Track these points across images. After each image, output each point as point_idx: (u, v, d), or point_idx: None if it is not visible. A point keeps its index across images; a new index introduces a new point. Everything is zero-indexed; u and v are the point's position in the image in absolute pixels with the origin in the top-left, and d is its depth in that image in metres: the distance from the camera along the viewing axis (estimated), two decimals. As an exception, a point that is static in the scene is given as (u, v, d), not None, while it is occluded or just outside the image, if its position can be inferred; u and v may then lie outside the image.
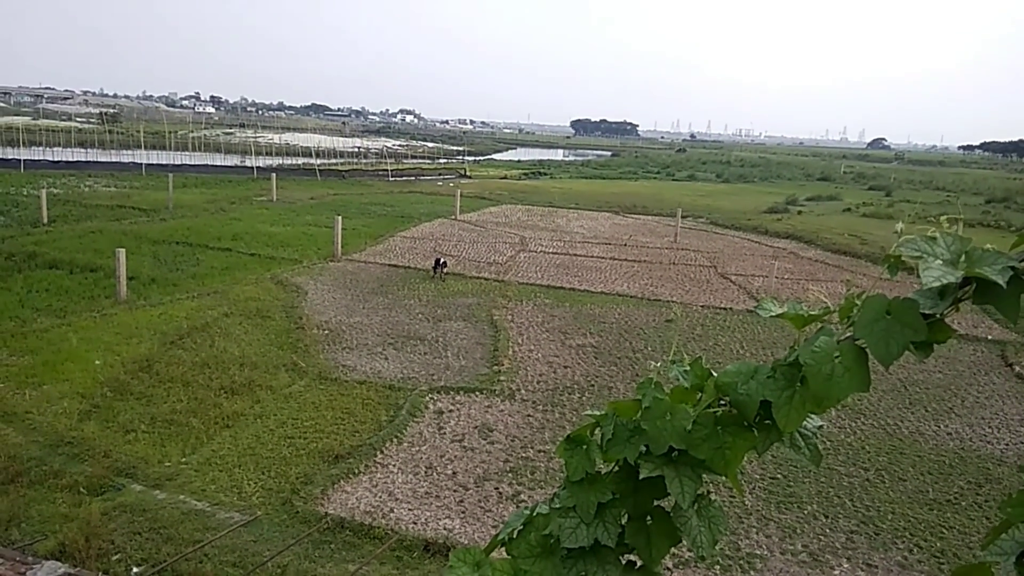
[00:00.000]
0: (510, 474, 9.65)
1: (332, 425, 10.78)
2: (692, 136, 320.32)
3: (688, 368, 1.43)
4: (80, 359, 12.56)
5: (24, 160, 43.65)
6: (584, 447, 1.45)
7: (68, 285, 17.30)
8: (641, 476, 1.35)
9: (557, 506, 1.48)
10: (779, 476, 9.88)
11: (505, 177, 58.42)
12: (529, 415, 11.51)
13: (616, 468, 1.44)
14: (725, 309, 18.56)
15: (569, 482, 1.47)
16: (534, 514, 1.53)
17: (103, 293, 16.60)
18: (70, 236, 22.54)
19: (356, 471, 9.51)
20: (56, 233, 23.04)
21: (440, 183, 50.29)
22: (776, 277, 21.09)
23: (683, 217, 32.70)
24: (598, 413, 1.46)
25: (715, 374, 1.39)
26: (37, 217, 25.26)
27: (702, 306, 18.78)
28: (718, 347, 15.39)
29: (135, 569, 7.20)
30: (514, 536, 1.63)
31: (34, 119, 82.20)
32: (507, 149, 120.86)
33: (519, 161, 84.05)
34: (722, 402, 1.37)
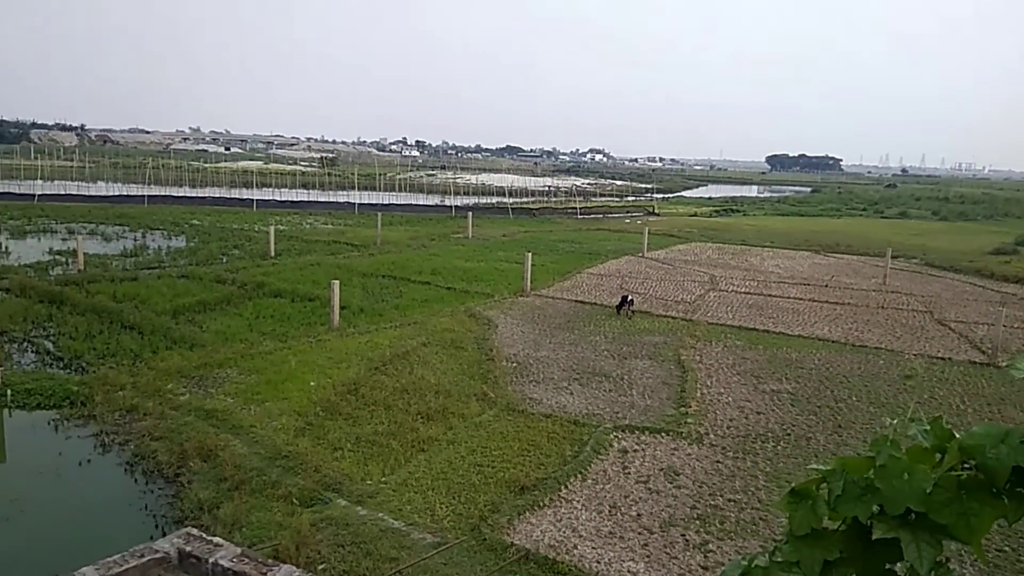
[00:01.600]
0: (697, 521, 9.31)
1: (518, 456, 10.98)
2: (903, 171, 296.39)
3: (928, 427, 1.34)
4: (297, 380, 13.78)
5: (256, 200, 49.12)
6: (810, 501, 1.40)
7: (289, 312, 19.13)
8: (874, 536, 1.28)
9: (779, 560, 1.43)
10: (1007, 548, 8.73)
11: (695, 214, 57.29)
12: (718, 461, 11.07)
13: (844, 526, 1.37)
14: (943, 359, 16.85)
15: (792, 536, 1.42)
16: (752, 565, 1.49)
17: (319, 320, 18.18)
18: (292, 268, 24.96)
19: (541, 504, 9.61)
20: (281, 265, 25.61)
21: (628, 220, 50.25)
22: (1004, 326, 18.86)
23: (893, 257, 30.26)
24: (824, 468, 1.40)
25: (958, 435, 1.29)
26: (265, 251, 28.26)
27: (915, 354, 17.18)
28: (934, 400, 13.99)
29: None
30: None
31: (265, 163, 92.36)
32: (697, 186, 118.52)
33: (710, 198, 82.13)
34: (966, 465, 1.27)
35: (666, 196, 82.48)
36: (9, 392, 12.90)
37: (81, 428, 12.11)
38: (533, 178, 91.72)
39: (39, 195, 44.81)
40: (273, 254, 27.82)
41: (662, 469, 10.72)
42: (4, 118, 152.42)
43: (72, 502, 10.05)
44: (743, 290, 24.74)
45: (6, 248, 27.92)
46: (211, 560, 3.24)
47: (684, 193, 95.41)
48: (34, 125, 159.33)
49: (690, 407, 13.15)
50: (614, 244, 35.57)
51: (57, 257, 26.12)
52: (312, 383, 13.66)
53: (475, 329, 18.02)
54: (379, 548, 8.42)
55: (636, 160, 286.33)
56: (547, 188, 75.20)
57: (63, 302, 19.00)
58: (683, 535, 8.98)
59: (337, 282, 18.07)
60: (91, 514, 9.75)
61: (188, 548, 3.32)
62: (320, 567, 8.09)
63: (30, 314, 18.04)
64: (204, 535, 3.43)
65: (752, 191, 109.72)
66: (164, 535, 8.90)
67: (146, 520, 9.50)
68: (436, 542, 8.64)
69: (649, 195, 78.22)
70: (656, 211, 58.27)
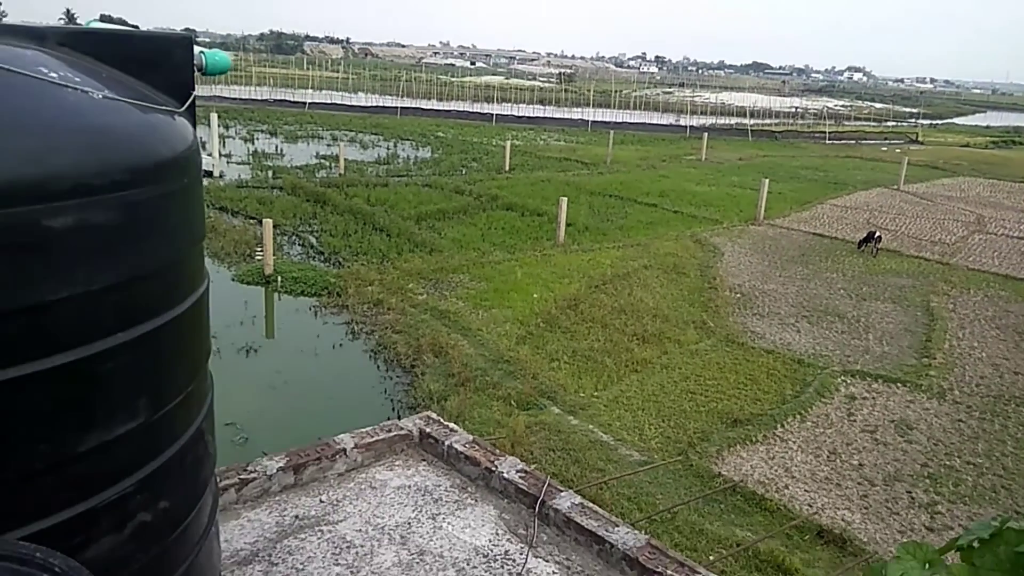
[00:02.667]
0: (927, 480, 8.60)
1: (734, 389, 10.74)
2: None
3: None
4: (522, 291, 14.40)
5: (496, 114, 50.68)
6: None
7: (519, 226, 19.84)
8: None
9: None
10: None
11: (967, 145, 50.37)
12: (960, 420, 10.05)
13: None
14: None
15: None
16: (1004, 527, 1.40)
17: (545, 235, 18.70)
18: (524, 183, 25.71)
19: (754, 439, 9.39)
20: (514, 180, 26.47)
21: (885, 148, 45.41)
22: None
23: None
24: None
25: None
26: (501, 165, 29.29)
27: None
28: None
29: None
30: (975, 545, 1.54)
31: (506, 78, 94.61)
32: (973, 112, 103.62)
33: (987, 127, 71.60)
34: None
35: (934, 123, 73.17)
36: (279, 278, 14.80)
37: (336, 316, 13.65)
38: (779, 98, 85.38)
39: (309, 103, 49.59)
40: (507, 168, 28.77)
41: (893, 421, 9.96)
42: (283, 30, 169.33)
43: (326, 379, 11.47)
44: (1016, 234, 21.61)
45: (281, 151, 31.47)
46: (447, 443, 3.59)
47: (956, 120, 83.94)
48: (307, 38, 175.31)
49: (935, 358, 11.96)
50: (865, 174, 32.43)
51: (322, 161, 28.98)
52: (535, 295, 14.20)
53: (700, 255, 17.56)
54: (587, 457, 8.76)
55: (902, 80, 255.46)
56: (794, 109, 69.72)
57: (326, 202, 21.19)
58: (909, 492, 8.37)
59: (565, 199, 18.36)
60: (341, 391, 11.06)
61: (428, 429, 3.70)
62: (532, 467, 8.63)
63: (299, 211, 20.36)
64: (441, 420, 3.81)
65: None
66: (399, 417, 9.91)
67: (385, 402, 10.61)
68: (643, 460, 8.81)
69: (914, 120, 69.82)
70: (920, 139, 52.01)
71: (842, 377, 11.18)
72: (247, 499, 3.28)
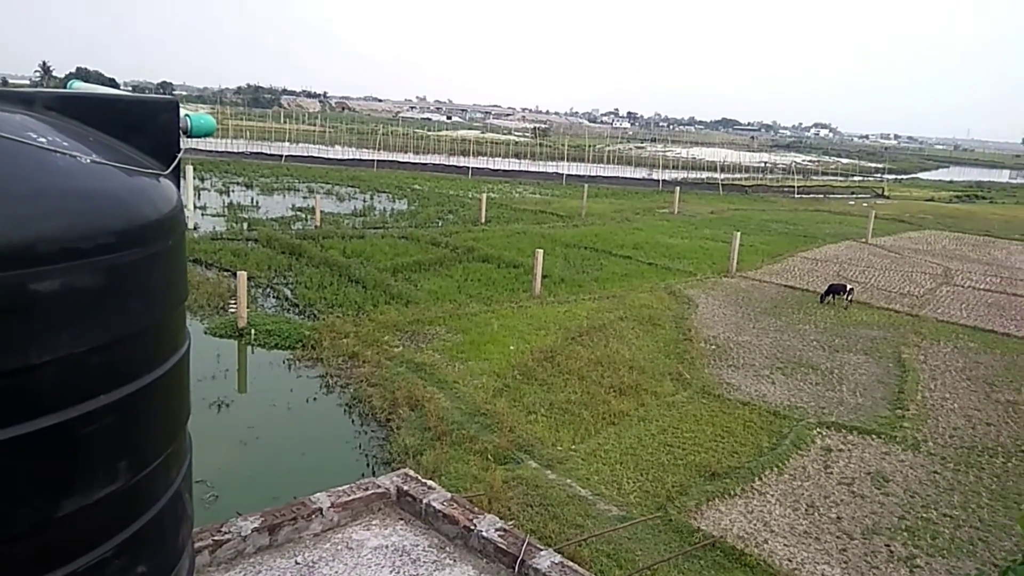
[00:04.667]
0: (905, 533, 8.61)
1: (711, 441, 10.74)
2: None
3: None
4: (498, 343, 14.39)
5: (472, 167, 51.31)
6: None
7: (495, 277, 19.93)
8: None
9: None
10: None
11: (932, 199, 51.84)
12: (936, 472, 10.13)
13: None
14: None
15: None
16: None
17: (521, 287, 18.78)
18: (500, 235, 25.92)
19: (732, 492, 9.36)
20: (490, 232, 26.68)
21: (852, 203, 46.55)
22: None
23: None
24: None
25: None
26: (477, 217, 29.55)
27: None
28: None
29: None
30: None
31: (482, 132, 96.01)
32: (937, 167, 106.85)
33: (951, 181, 73.83)
34: None
35: (899, 177, 75.25)
36: (253, 331, 14.67)
37: (310, 369, 13.52)
38: (748, 153, 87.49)
39: (286, 156, 49.89)
40: (483, 220, 29.01)
41: (869, 473, 10.01)
42: (261, 84, 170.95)
43: (300, 434, 11.29)
44: (983, 287, 22.13)
45: (256, 203, 31.50)
46: (425, 501, 3.55)
47: (921, 175, 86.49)
48: (284, 92, 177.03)
49: (908, 410, 12.09)
50: (834, 227, 33.16)
51: (298, 213, 29.03)
52: (512, 347, 14.20)
53: (674, 307, 17.73)
54: (565, 513, 8.66)
55: (867, 136, 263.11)
56: (763, 164, 71.40)
57: (301, 254, 21.17)
58: (888, 545, 8.36)
59: (541, 251, 18.52)
60: (315, 446, 10.89)
61: (405, 487, 3.67)
62: (509, 523, 8.50)
63: (274, 263, 20.30)
64: (419, 477, 3.78)
65: (1003, 176, 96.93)
66: (374, 473, 9.75)
67: (360, 458, 10.46)
68: (621, 515, 8.73)
69: (879, 175, 71.75)
70: (886, 193, 53.41)
71: (818, 429, 11.24)
72: (221, 561, 3.20)
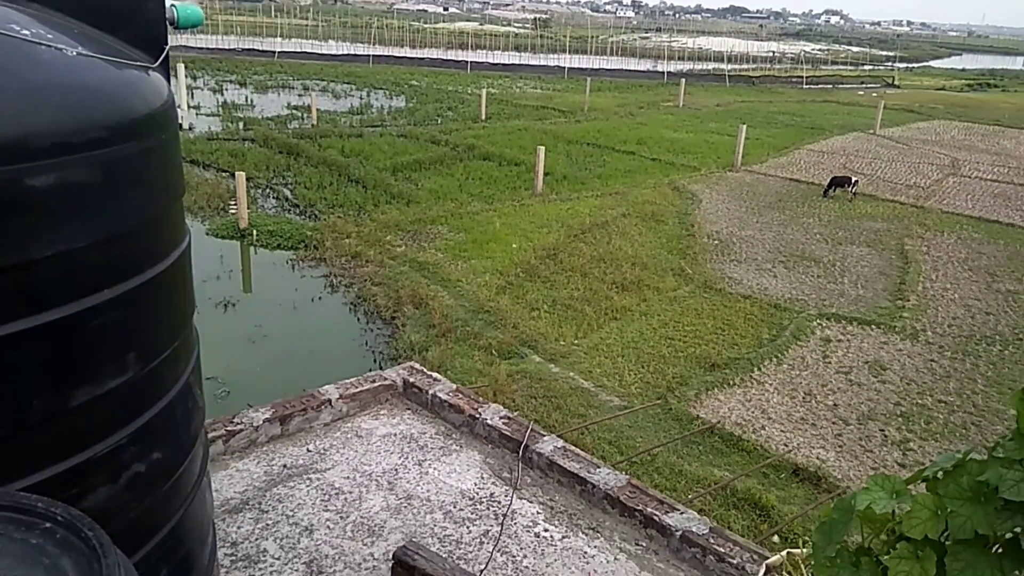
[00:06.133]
0: (900, 418, 8.87)
1: (712, 334, 10.91)
2: None
3: None
4: (501, 241, 14.40)
5: (470, 62, 49.79)
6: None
7: (496, 175, 19.73)
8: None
9: (1000, 455, 1.40)
10: None
11: (943, 88, 50.53)
12: (932, 360, 10.32)
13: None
14: None
15: (1019, 434, 1.37)
16: (967, 458, 1.48)
17: (523, 185, 18.62)
18: (501, 132, 25.46)
19: (731, 382, 9.59)
20: (490, 129, 26.19)
21: (861, 92, 45.42)
22: None
23: None
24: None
25: None
26: (477, 114, 28.94)
27: None
28: None
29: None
30: (940, 476, 1.61)
31: (481, 24, 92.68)
32: (950, 55, 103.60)
33: (963, 69, 71.70)
34: None
35: (910, 66, 73.14)
36: (255, 232, 14.67)
37: (313, 269, 13.60)
38: (756, 42, 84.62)
39: (279, 52, 48.36)
40: (484, 117, 28.44)
41: (867, 362, 10.21)
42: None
43: (306, 332, 11.47)
44: (990, 177, 21.88)
45: (251, 101, 30.83)
46: (431, 392, 3.65)
47: (932, 63, 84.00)
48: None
49: (908, 300, 12.21)
50: (842, 119, 32.48)
51: (294, 112, 28.45)
52: (514, 245, 14.21)
53: (677, 203, 17.62)
54: (568, 404, 8.91)
55: (879, 23, 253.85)
56: (771, 54, 69.17)
57: (299, 154, 20.89)
58: (882, 430, 8.63)
59: (543, 148, 18.25)
60: (322, 344, 11.09)
61: (411, 379, 3.76)
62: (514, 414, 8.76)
63: (272, 163, 20.06)
64: (425, 370, 3.86)
65: (1017, 63, 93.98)
66: (381, 368, 9.96)
67: (366, 354, 10.67)
68: (623, 406, 8.98)
69: (890, 64, 69.66)
70: (897, 83, 52.02)
71: (818, 320, 11.38)
72: (235, 450, 3.33)
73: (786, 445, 8.30)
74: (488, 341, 10.45)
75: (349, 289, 12.72)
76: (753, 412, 8.97)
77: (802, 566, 2.11)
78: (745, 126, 22.43)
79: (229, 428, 3.32)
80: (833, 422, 8.83)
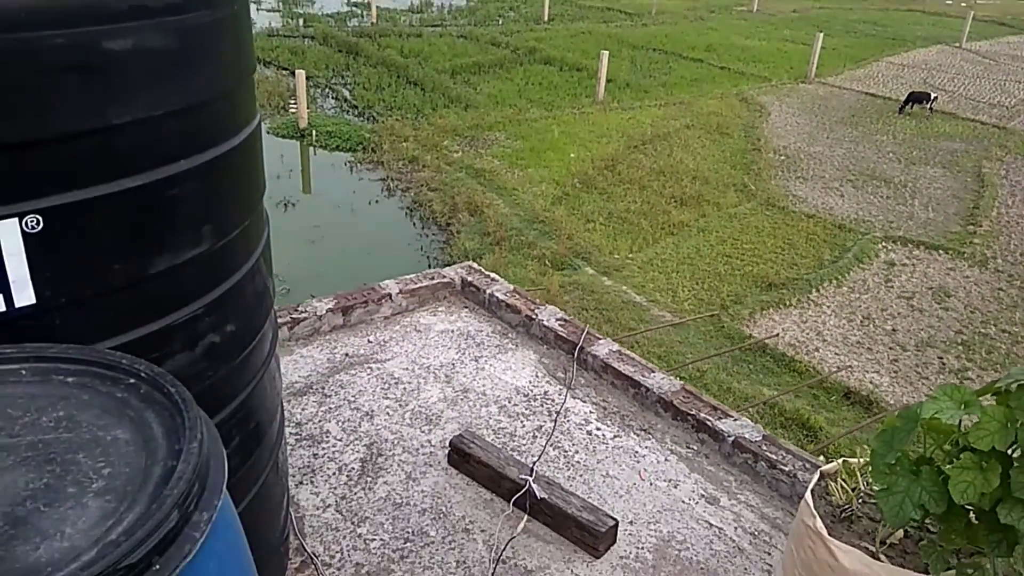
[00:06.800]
0: (960, 347, 8.66)
1: (771, 253, 10.70)
2: None
3: None
4: (559, 150, 14.17)
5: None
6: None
7: (557, 81, 19.24)
8: None
9: None
10: None
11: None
12: (1001, 289, 9.97)
13: None
14: None
15: None
16: None
17: (584, 92, 18.14)
18: (563, 35, 24.65)
19: (787, 303, 9.45)
20: (552, 31, 25.38)
21: (950, 2, 42.36)
22: None
23: None
24: None
25: None
26: (540, 15, 28.01)
27: None
28: None
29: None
30: (1013, 388, 1.58)
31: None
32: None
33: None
34: None
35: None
36: (314, 132, 14.71)
37: (371, 172, 13.65)
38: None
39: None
40: (547, 19, 27.54)
41: (931, 288, 9.92)
42: None
43: (364, 234, 11.62)
44: (1086, 99, 20.47)
45: (310, -4, 30.38)
46: (488, 291, 3.67)
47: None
48: None
49: (980, 226, 11.72)
50: (927, 30, 30.50)
51: (353, 9, 27.95)
52: (572, 155, 13.98)
53: (745, 115, 16.99)
54: (620, 317, 8.91)
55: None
56: (855, -41, 64.62)
57: (358, 53, 20.65)
58: (940, 358, 8.45)
59: (606, 53, 17.64)
60: (379, 246, 11.23)
61: (469, 278, 3.78)
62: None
63: (331, 62, 19.91)
64: (483, 269, 3.88)
65: None
66: (436, 272, 10.02)
67: (421, 259, 10.79)
68: (675, 320, 8.95)
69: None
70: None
71: (883, 243, 11.04)
72: (299, 337, 3.44)
73: (839, 368, 8.22)
74: (542, 251, 10.45)
75: (405, 193, 12.76)
76: (808, 334, 8.86)
77: (858, 474, 2.10)
78: (822, 35, 21.25)
79: (294, 316, 3.42)
80: (890, 347, 8.68)
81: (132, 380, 1.32)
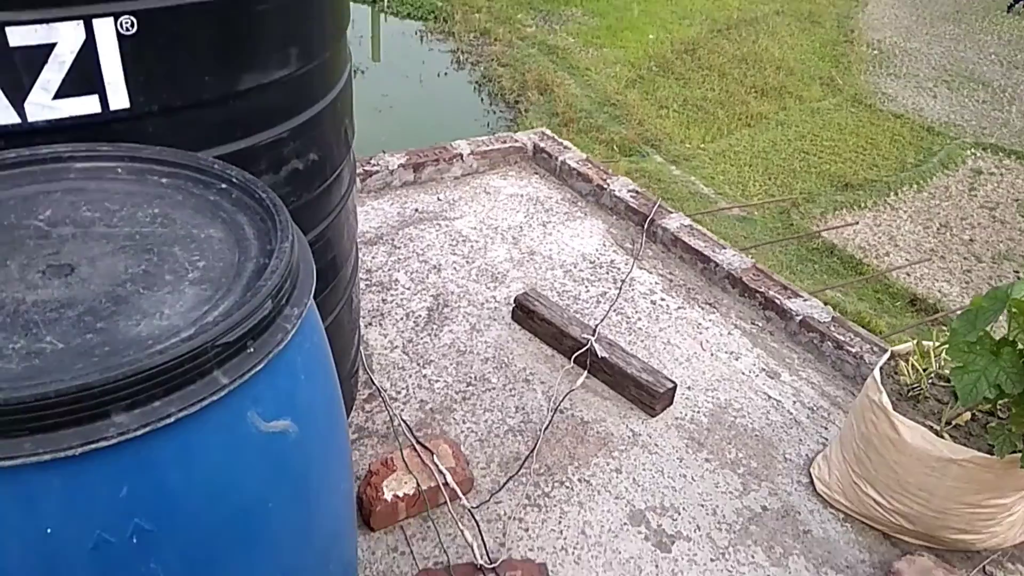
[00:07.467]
0: (1041, 262, 8.28)
1: (851, 152, 10.21)
2: None
3: None
4: (637, 30, 13.53)
5: None
6: None
7: (640, -44, 18.12)
8: None
9: None
10: None
11: None
12: (1098, 206, 9.40)
13: None
14: None
15: None
16: None
17: (668, -30, 17.07)
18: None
19: (862, 204, 9.09)
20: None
21: None
22: None
23: None
24: None
25: None
26: None
27: None
28: None
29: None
30: None
31: None
32: None
33: None
34: None
35: None
36: (386, -1, 14.33)
37: (441, 43, 13.30)
38: None
39: None
40: None
41: (1017, 199, 9.40)
42: None
43: (431, 106, 11.45)
44: None
45: None
46: (560, 159, 3.62)
47: None
48: None
49: (1083, 139, 10.93)
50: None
51: None
52: (651, 36, 13.35)
53: (840, 4, 15.86)
54: (685, 208, 8.71)
55: None
56: None
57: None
58: (1017, 272, 8.11)
59: (697, -72, 16.47)
60: (446, 119, 11.07)
61: (542, 144, 3.73)
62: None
63: (406, -74, 19.08)
64: (556, 137, 3.81)
65: None
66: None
67: (487, 135, 10.62)
68: (742, 216, 8.73)
69: None
70: None
71: (972, 149, 10.42)
72: (370, 190, 3.47)
73: (908, 275, 7.96)
74: (611, 135, 10.18)
75: (475, 67, 12.45)
76: (880, 238, 8.56)
77: (932, 355, 2.06)
78: (935, -80, 19.37)
79: (367, 168, 3.43)
80: (965, 257, 8.34)
81: (224, 185, 1.34)
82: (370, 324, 2.67)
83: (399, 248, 3.11)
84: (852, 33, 14.14)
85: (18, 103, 1.32)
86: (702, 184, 9.35)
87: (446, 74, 12.33)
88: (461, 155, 3.63)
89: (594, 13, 14.20)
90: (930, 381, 2.09)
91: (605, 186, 3.47)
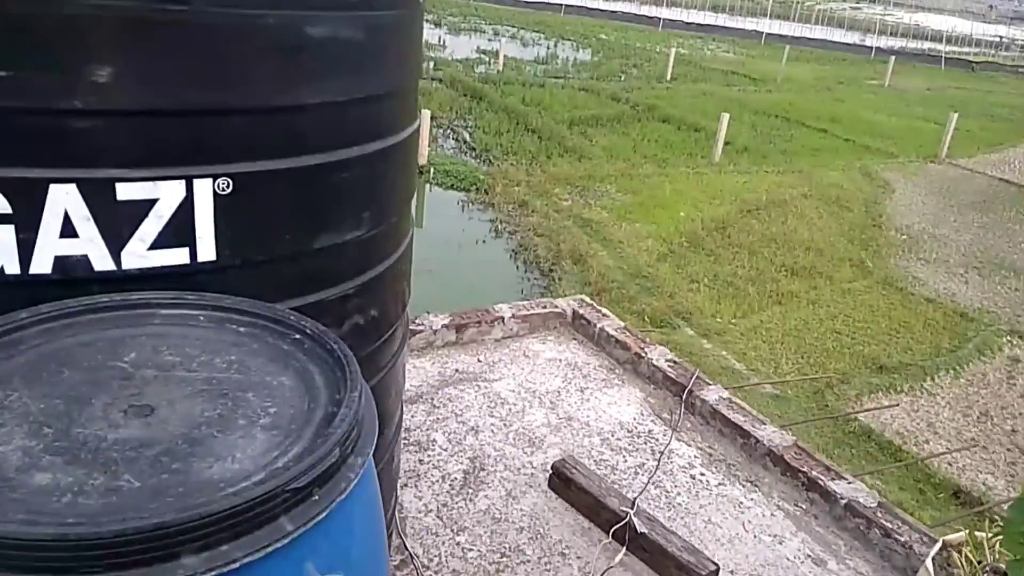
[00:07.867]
0: (1091, 457, 7.96)
1: (884, 334, 10.21)
2: None
3: None
4: (668, 208, 14.10)
5: (663, 19, 48.40)
6: None
7: (673, 140, 19.24)
8: None
9: None
10: None
11: None
12: None
13: None
14: None
15: None
16: None
17: (700, 152, 18.05)
18: (684, 95, 24.71)
19: (899, 388, 8.96)
20: (674, 91, 25.49)
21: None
22: None
23: None
24: None
25: None
26: (663, 73, 28.23)
27: None
28: None
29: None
30: None
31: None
32: None
33: None
34: None
35: None
36: (433, 169, 15.22)
37: (481, 212, 13.94)
38: (983, 24, 76.17)
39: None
40: (669, 78, 27.71)
41: (1060, 390, 9.21)
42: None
43: (469, 272, 11.81)
44: None
45: (443, 42, 31.69)
46: (599, 325, 3.70)
47: None
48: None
49: (1123, 332, 10.84)
50: (1071, 122, 28.87)
51: (482, 56, 28.96)
52: (682, 214, 13.88)
53: (867, 190, 16.47)
54: (717, 383, 8.66)
55: None
56: (998, 39, 62.10)
57: (482, 98, 21.34)
58: (1067, 465, 7.80)
59: (727, 115, 17.56)
60: (482, 285, 11.38)
61: (580, 311, 3.82)
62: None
63: (455, 105, 20.63)
64: (594, 304, 3.91)
65: None
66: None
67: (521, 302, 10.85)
68: (775, 395, 8.64)
69: None
70: None
71: (1008, 337, 10.36)
72: (414, 349, 3.55)
73: (950, 465, 7.69)
74: (642, 306, 10.33)
75: (512, 236, 12.95)
76: (918, 423, 8.36)
77: (986, 545, 1.97)
78: (956, 115, 20.44)
79: (411, 328, 3.53)
80: (1008, 449, 8.07)
81: (297, 335, 1.41)
82: (405, 485, 2.65)
83: (438, 408, 3.14)
84: (880, 218, 14.57)
85: (116, 252, 1.42)
86: (734, 359, 9.34)
87: (485, 241, 12.83)
88: (502, 318, 3.73)
89: (627, 190, 14.89)
90: (985, 574, 1.99)
91: (643, 354, 3.52)
